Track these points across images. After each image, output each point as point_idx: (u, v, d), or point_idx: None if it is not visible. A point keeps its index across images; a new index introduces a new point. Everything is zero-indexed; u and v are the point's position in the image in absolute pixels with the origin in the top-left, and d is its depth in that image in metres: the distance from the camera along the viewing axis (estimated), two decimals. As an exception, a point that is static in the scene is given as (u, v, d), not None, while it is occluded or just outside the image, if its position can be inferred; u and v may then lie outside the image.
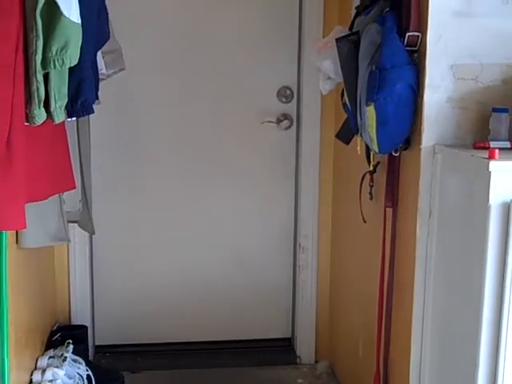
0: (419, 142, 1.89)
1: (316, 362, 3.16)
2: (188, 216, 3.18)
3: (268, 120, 3.09)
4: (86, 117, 2.40)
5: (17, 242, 2.18)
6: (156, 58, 3.04)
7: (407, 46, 1.87)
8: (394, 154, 2.05)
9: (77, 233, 2.82)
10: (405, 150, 2.00)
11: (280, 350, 3.26)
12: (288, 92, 3.10)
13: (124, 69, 2.53)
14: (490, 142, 1.74)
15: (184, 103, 3.09)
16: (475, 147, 1.78)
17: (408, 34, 1.86)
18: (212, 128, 3.12)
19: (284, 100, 3.10)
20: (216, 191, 3.16)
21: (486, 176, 1.56)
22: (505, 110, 1.81)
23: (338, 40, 2.04)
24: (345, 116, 2.31)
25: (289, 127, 3.11)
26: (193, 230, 3.19)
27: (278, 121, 3.09)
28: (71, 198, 2.46)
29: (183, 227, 3.19)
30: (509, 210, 1.55)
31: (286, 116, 3.09)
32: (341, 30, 2.17)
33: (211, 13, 3.04)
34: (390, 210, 2.14)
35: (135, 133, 3.09)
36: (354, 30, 2.08)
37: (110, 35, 2.26)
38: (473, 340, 1.63)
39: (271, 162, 3.16)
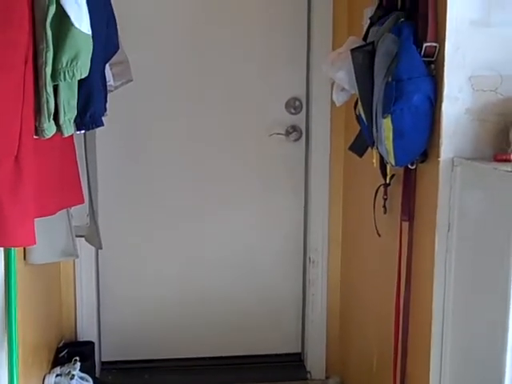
0: (437, 154, 1.85)
1: (327, 377, 3.11)
2: (196, 230, 3.13)
3: (277, 132, 3.05)
4: (94, 130, 2.36)
5: (24, 258, 2.13)
6: (163, 70, 3.00)
7: (424, 56, 1.84)
8: (410, 166, 2.00)
9: (83, 247, 2.76)
10: (422, 162, 1.96)
11: (290, 365, 3.20)
12: (297, 103, 3.06)
13: (132, 80, 2.50)
14: (512, 155, 1.70)
15: (192, 115, 3.05)
16: (496, 160, 1.74)
17: (425, 45, 1.82)
18: (220, 140, 3.07)
19: (293, 111, 3.06)
20: (225, 204, 3.11)
21: (511, 189, 1.51)
22: (526, 122, 1.77)
23: (352, 50, 2.00)
24: (356, 127, 2.27)
25: (298, 139, 3.06)
26: (201, 243, 3.14)
27: (287, 133, 3.05)
28: (79, 213, 2.41)
29: (191, 241, 3.14)
30: (537, 225, 1.50)
31: (294, 128, 3.05)
32: (355, 41, 2.13)
33: (219, 24, 3.00)
34: (406, 224, 2.09)
35: (142, 146, 3.05)
36: (368, 41, 2.04)
37: (119, 46, 2.23)
38: (496, 358, 1.58)
39: (280, 175, 3.12)
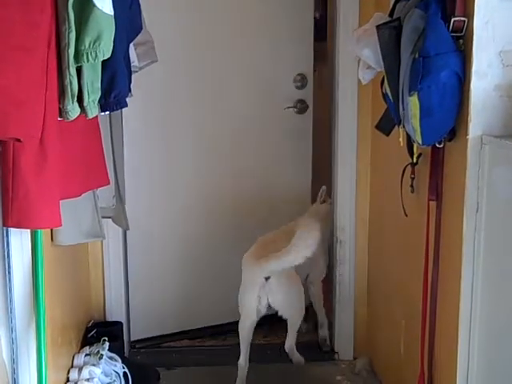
0: (465, 132, 1.81)
1: (354, 358, 3.09)
2: (220, 210, 3.13)
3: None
4: (119, 111, 2.36)
5: (51, 240, 2.15)
6: (177, 52, 3.00)
7: (452, 31, 1.79)
8: (438, 145, 1.97)
9: (110, 228, 2.77)
10: (449, 141, 1.92)
11: (318, 345, 3.19)
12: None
13: (156, 61, 2.48)
14: (543, 132, 1.66)
15: (210, 95, 3.06)
16: (526, 137, 1.70)
17: (453, 20, 1.78)
18: (243, 121, 3.09)
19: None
20: (249, 181, 3.11)
21: (541, 168, 1.48)
22: (557, 98, 1.72)
23: (378, 27, 1.96)
24: (383, 106, 2.23)
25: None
26: (224, 224, 3.15)
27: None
28: (105, 194, 2.42)
29: (216, 220, 3.15)
30: None
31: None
32: (381, 17, 2.09)
33: (230, 3, 2.99)
34: (433, 204, 2.06)
35: (166, 126, 3.07)
36: (394, 17, 1.99)
37: (143, 26, 2.22)
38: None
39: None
